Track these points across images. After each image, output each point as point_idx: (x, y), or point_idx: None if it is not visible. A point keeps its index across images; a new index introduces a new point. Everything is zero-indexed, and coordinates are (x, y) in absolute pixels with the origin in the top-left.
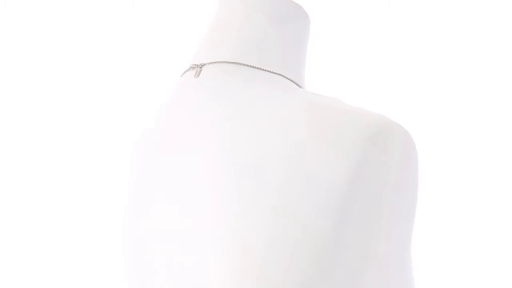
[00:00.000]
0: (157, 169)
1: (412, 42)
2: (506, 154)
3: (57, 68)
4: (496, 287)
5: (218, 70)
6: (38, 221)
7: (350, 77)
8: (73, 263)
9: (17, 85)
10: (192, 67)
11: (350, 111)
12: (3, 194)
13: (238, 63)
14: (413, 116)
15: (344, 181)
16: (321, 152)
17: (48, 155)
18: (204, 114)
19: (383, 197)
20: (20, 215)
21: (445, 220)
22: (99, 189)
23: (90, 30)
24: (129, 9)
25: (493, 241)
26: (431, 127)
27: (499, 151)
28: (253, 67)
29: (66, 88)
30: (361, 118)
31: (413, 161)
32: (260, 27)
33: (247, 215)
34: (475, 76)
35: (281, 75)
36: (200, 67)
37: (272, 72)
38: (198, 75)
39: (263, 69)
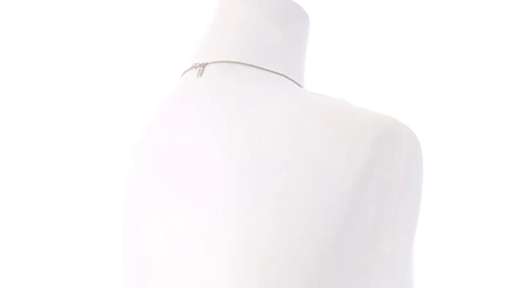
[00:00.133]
0: (159, 169)
1: (412, 42)
2: (506, 154)
3: (57, 68)
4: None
5: (221, 70)
6: (37, 222)
7: (349, 77)
8: (72, 264)
9: (17, 85)
10: (194, 66)
11: (357, 112)
12: (2, 194)
13: (241, 63)
14: (413, 116)
15: (351, 181)
16: (329, 152)
17: (47, 155)
18: (209, 113)
19: (390, 197)
20: (18, 215)
21: (444, 221)
22: (99, 189)
23: (90, 30)
24: (129, 10)
25: (493, 241)
26: (431, 127)
27: (499, 151)
28: (255, 67)
29: (66, 88)
30: (368, 119)
31: (419, 163)
32: (261, 27)
33: (252, 215)
34: (475, 76)
35: (283, 75)
36: (203, 67)
37: (275, 72)
38: (201, 74)
39: (265, 69)
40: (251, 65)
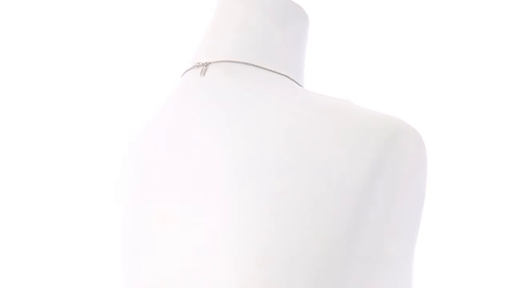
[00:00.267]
0: (159, 169)
1: (413, 42)
2: (506, 154)
3: (57, 68)
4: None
5: (224, 69)
6: (33, 221)
7: (350, 78)
8: (69, 267)
9: (16, 85)
10: (197, 66)
11: (364, 113)
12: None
13: (244, 63)
14: (413, 116)
15: (359, 181)
16: (336, 153)
17: (47, 155)
18: (212, 112)
19: (396, 198)
20: (17, 215)
21: (444, 221)
22: (92, 190)
23: (90, 30)
24: (129, 9)
25: (493, 241)
26: (431, 127)
27: (499, 151)
28: (258, 67)
29: (66, 88)
30: (376, 120)
31: (424, 164)
32: (263, 27)
33: (260, 216)
34: (475, 76)
35: (284, 75)
36: (206, 66)
37: (277, 73)
38: (204, 74)
39: (268, 69)
40: (254, 65)
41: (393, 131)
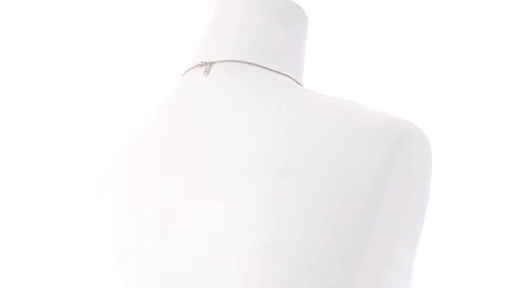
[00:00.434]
0: (164, 167)
1: (412, 42)
2: (506, 154)
3: (57, 68)
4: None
5: (228, 69)
6: (29, 222)
7: (350, 78)
8: (54, 268)
9: (16, 85)
10: (200, 65)
11: (372, 114)
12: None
13: (248, 63)
14: (412, 116)
15: (369, 182)
16: (345, 154)
17: (46, 155)
18: (218, 112)
19: (404, 199)
20: (15, 215)
21: (443, 221)
22: (78, 190)
23: (90, 30)
24: (129, 9)
25: (493, 242)
26: (430, 127)
27: (498, 151)
28: (262, 67)
29: (65, 88)
30: (385, 121)
31: (430, 166)
32: (264, 27)
33: (277, 217)
34: (475, 76)
35: (287, 76)
36: (210, 65)
37: (280, 73)
38: (208, 73)
39: (271, 69)
40: (257, 65)
41: (403, 133)
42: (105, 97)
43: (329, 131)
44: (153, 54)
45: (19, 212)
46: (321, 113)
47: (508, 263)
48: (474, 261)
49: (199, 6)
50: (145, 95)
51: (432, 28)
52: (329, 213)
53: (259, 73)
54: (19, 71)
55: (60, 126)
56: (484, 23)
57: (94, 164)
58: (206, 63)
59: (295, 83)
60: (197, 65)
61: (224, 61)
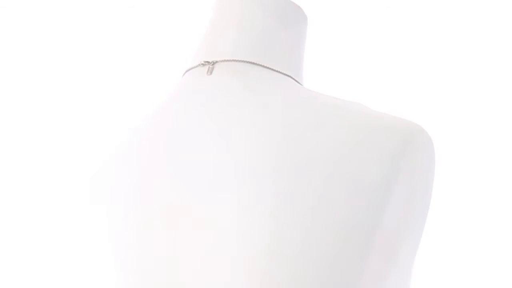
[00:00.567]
0: (165, 167)
1: (412, 42)
2: (506, 155)
3: (56, 68)
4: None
5: (231, 68)
6: (19, 220)
7: (350, 78)
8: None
9: (16, 85)
10: (203, 64)
11: (377, 115)
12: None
13: (251, 62)
14: (412, 116)
15: (378, 183)
16: (352, 154)
17: (45, 156)
18: (222, 111)
19: (410, 199)
20: (13, 216)
21: (442, 222)
22: (70, 190)
23: (89, 30)
24: (129, 9)
25: (492, 242)
26: (430, 127)
27: (498, 152)
28: (264, 66)
29: (65, 88)
30: (391, 122)
31: (433, 167)
32: (264, 27)
33: (281, 216)
34: (475, 76)
35: (290, 76)
36: (213, 64)
37: (282, 73)
38: (211, 72)
39: (274, 70)
40: (259, 65)
41: (410, 134)
42: (104, 97)
43: (334, 131)
44: (152, 54)
45: (10, 209)
46: (325, 113)
47: (508, 263)
48: (474, 261)
49: (199, 6)
50: (144, 95)
51: (432, 28)
52: (333, 213)
53: (261, 73)
54: (18, 71)
55: (58, 125)
56: (485, 22)
57: (85, 164)
58: (208, 62)
59: (296, 83)
60: (199, 65)
61: (226, 60)
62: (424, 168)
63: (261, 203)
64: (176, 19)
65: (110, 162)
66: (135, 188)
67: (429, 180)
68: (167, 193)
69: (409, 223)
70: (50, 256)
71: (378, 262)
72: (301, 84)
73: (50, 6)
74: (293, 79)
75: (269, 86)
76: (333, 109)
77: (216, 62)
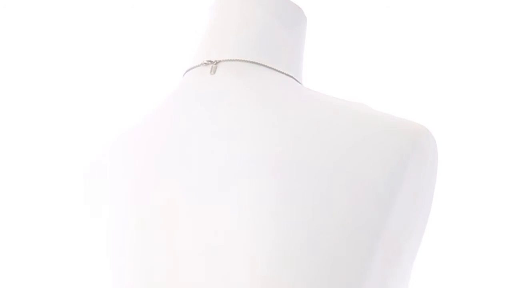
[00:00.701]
0: (165, 166)
1: (412, 42)
2: (506, 155)
3: (57, 68)
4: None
5: (233, 68)
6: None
7: (350, 78)
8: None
9: (16, 85)
10: (206, 64)
11: (382, 116)
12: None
13: (254, 62)
14: (412, 116)
15: (385, 183)
16: (358, 155)
17: (44, 156)
18: (225, 110)
19: (415, 200)
20: (13, 216)
21: (442, 222)
22: (62, 191)
23: (89, 30)
24: (129, 9)
25: (491, 242)
26: (430, 127)
27: (498, 152)
28: (266, 66)
29: (65, 88)
30: (397, 123)
31: (436, 168)
32: (266, 27)
33: (283, 216)
34: (475, 76)
35: (291, 76)
36: (216, 64)
37: (283, 73)
38: (214, 72)
39: (276, 70)
40: (262, 65)
41: (416, 134)
42: (104, 96)
43: (337, 131)
44: (152, 54)
45: (8, 209)
46: (328, 113)
47: (508, 263)
48: (474, 261)
49: (199, 6)
50: (144, 95)
51: (432, 28)
52: (336, 213)
53: (264, 73)
54: (18, 71)
55: (58, 125)
56: (485, 22)
57: (81, 163)
58: (211, 61)
59: (298, 84)
60: (201, 64)
61: (229, 60)
62: (429, 169)
63: (263, 203)
64: (176, 19)
65: (107, 161)
66: (132, 187)
67: (432, 180)
68: (166, 192)
69: (413, 224)
70: (47, 256)
71: (382, 262)
72: (301, 84)
73: (51, 6)
74: (294, 79)
75: (271, 86)
76: (336, 109)
77: (219, 61)
